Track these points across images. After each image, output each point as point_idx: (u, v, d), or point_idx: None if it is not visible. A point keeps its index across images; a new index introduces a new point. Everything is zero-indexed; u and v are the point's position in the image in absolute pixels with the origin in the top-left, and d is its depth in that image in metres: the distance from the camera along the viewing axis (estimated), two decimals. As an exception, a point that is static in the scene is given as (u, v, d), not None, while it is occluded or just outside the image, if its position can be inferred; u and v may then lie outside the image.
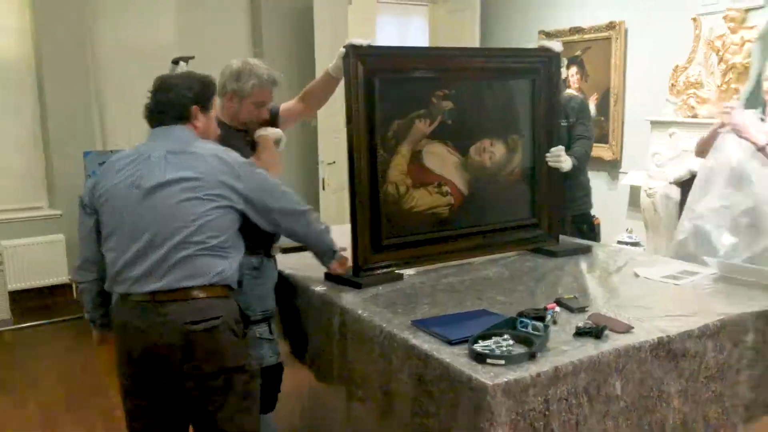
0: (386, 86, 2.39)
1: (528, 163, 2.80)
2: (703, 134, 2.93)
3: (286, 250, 2.81)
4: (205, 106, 2.00)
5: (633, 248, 2.87)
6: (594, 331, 1.83)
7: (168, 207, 1.88)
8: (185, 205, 1.89)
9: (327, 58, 5.64)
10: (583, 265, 2.61)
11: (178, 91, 1.98)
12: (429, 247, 2.57)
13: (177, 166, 1.91)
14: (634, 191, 5.04)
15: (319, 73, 5.55)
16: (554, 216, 2.87)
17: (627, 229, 4.92)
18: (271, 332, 2.47)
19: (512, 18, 6.02)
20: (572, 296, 2.15)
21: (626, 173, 5.11)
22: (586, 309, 2.06)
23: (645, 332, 1.87)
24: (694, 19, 4.22)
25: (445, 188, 2.58)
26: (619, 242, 4.90)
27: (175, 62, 4.18)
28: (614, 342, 1.80)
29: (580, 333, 1.85)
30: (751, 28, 3.88)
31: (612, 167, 5.29)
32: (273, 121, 2.59)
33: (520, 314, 1.97)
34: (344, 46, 2.34)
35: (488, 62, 2.76)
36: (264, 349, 2.44)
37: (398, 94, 2.44)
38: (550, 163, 2.80)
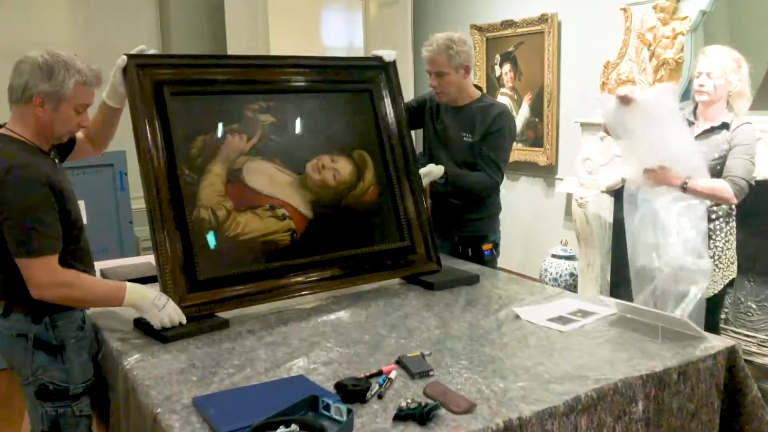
0: (181, 99, 2.00)
1: (385, 180, 2.37)
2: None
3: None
4: None
5: (531, 281, 2.42)
6: (417, 413, 1.36)
7: None
8: None
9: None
10: (461, 302, 2.15)
11: None
12: (269, 281, 2.09)
13: None
14: (570, 199, 4.61)
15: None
16: (430, 237, 2.43)
17: (561, 242, 4.49)
18: (92, 407, 1.95)
19: (444, 12, 5.57)
20: (418, 353, 1.68)
21: (562, 180, 4.68)
22: (430, 373, 1.59)
23: (490, 411, 1.41)
24: (624, 10, 3.78)
25: (281, 211, 2.12)
26: (554, 256, 4.47)
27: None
28: (442, 430, 1.34)
29: (400, 416, 1.38)
30: (684, 18, 3.45)
31: (547, 173, 4.85)
32: (71, 146, 2.04)
33: (337, 385, 1.51)
34: (124, 55, 1.95)
35: (311, 73, 2.38)
36: (80, 427, 1.90)
37: (200, 108, 2.04)
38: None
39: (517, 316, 1.99)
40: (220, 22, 5.16)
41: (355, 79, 2.47)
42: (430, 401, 1.42)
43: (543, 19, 4.60)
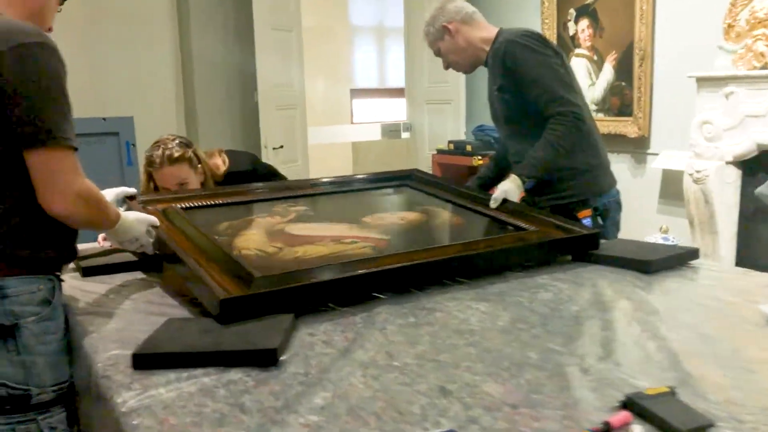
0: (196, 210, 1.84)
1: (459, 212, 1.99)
2: None
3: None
4: None
5: (718, 265, 1.65)
6: None
7: None
8: None
9: (268, 21, 4.47)
10: (644, 296, 1.37)
11: None
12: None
13: None
14: (670, 177, 3.81)
15: (259, 41, 4.37)
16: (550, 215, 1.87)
17: (661, 228, 3.69)
18: (69, 423, 1.33)
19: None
20: (665, 389, 0.91)
21: (657, 154, 3.89)
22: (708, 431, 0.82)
23: None
24: (763, -70, 3.01)
25: (348, 240, 1.64)
26: (652, 245, 3.69)
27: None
28: None
29: None
30: None
31: (637, 146, 4.05)
32: None
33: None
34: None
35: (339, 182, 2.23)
36: None
37: (218, 213, 1.84)
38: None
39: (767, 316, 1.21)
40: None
41: (385, 181, 2.27)
42: None
43: (635, -40, 3.82)
